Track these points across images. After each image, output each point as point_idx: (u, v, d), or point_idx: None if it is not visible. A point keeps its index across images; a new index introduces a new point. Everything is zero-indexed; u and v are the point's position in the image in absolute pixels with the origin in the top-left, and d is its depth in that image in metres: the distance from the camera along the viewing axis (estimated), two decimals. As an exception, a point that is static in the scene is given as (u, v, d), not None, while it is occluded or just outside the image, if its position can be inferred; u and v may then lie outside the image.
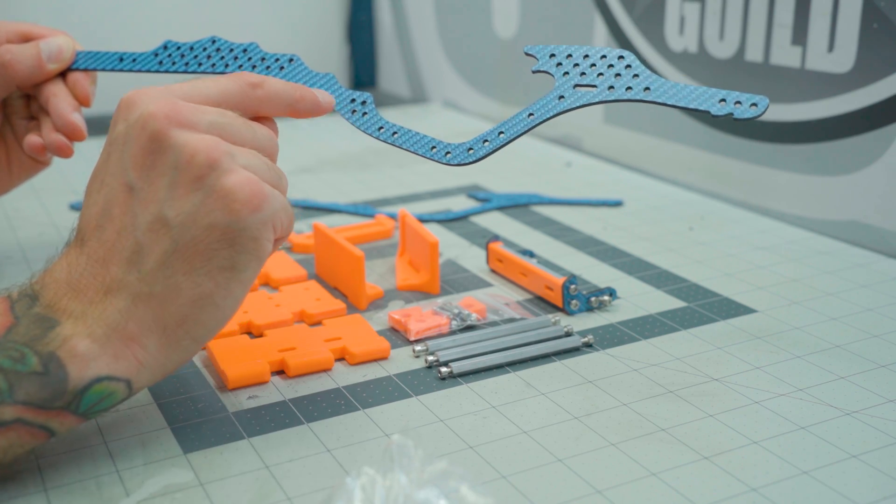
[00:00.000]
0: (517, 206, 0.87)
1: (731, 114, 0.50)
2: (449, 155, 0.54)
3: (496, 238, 0.71)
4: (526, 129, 0.53)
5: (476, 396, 0.51)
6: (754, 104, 0.50)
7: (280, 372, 0.54)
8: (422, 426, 0.48)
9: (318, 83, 0.58)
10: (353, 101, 0.57)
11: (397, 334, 0.59)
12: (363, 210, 0.85)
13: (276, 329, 0.58)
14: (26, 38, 0.65)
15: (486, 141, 0.54)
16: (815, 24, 0.76)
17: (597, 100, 0.52)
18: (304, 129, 1.20)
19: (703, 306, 0.63)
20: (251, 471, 0.44)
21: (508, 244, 0.73)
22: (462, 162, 0.53)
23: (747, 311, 0.62)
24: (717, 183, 0.88)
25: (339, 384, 0.53)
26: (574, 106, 0.53)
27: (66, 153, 0.64)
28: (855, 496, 0.42)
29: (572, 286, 0.61)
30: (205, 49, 0.61)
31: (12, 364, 0.40)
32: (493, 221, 0.82)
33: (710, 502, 0.42)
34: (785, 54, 0.79)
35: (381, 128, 0.55)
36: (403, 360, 0.55)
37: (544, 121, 0.53)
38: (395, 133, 0.55)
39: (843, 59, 0.74)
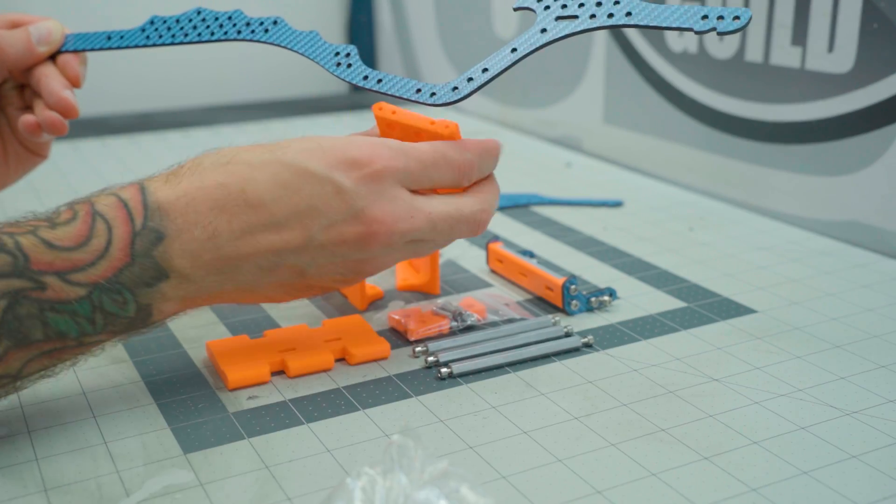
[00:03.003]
0: (517, 206, 0.87)
1: (715, 28, 0.49)
2: (434, 96, 0.54)
3: (496, 238, 0.71)
4: (509, 64, 0.53)
5: (476, 396, 0.51)
6: (737, 17, 0.49)
7: (280, 372, 0.54)
8: (422, 426, 0.48)
9: (303, 41, 0.58)
10: (336, 54, 0.57)
11: (397, 334, 0.59)
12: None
13: (277, 329, 0.58)
14: (15, 26, 0.65)
15: (471, 79, 0.54)
16: (815, 25, 0.76)
17: (580, 29, 0.52)
18: (302, 128, 1.20)
19: (703, 306, 0.63)
20: (251, 471, 0.44)
21: (508, 244, 0.73)
22: (448, 101, 0.53)
23: (747, 311, 0.62)
24: (717, 183, 0.88)
25: (339, 384, 0.53)
26: (557, 37, 0.52)
27: (60, 130, 0.64)
28: (855, 496, 0.42)
29: (572, 286, 0.61)
30: (190, 20, 0.62)
31: (115, 309, 0.44)
32: (494, 221, 0.82)
33: (709, 502, 0.42)
34: (785, 54, 0.79)
35: (365, 77, 0.55)
36: (403, 361, 0.55)
37: (527, 55, 0.53)
38: (379, 80, 0.55)
39: (842, 59, 0.74)
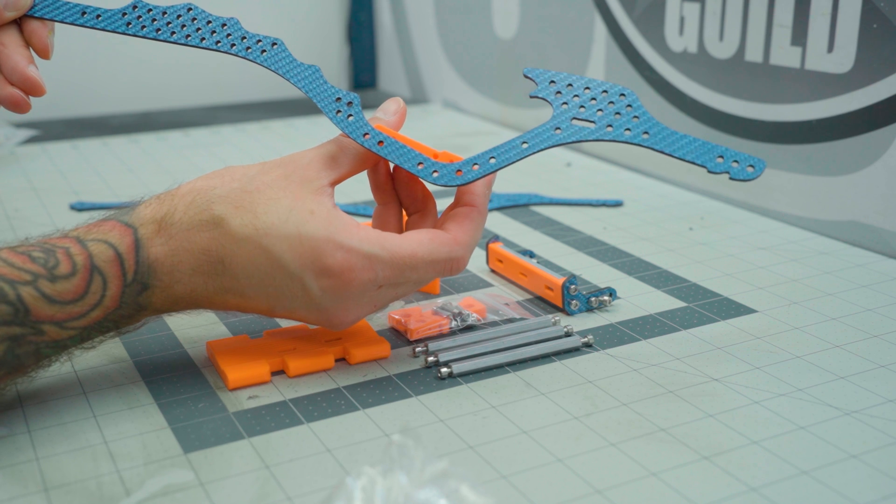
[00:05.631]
0: (517, 206, 0.87)
1: (728, 173, 0.49)
2: (436, 174, 0.51)
3: (496, 238, 0.71)
4: (518, 157, 0.51)
5: (476, 396, 0.51)
6: (751, 166, 0.49)
7: (280, 372, 0.54)
8: (422, 426, 0.48)
9: (302, 74, 0.54)
10: (338, 99, 0.53)
11: (397, 334, 0.59)
12: (363, 210, 0.85)
13: (277, 329, 0.58)
14: None
15: (476, 165, 0.51)
16: (815, 25, 0.76)
17: (593, 137, 0.51)
18: (302, 128, 1.21)
19: (703, 306, 0.63)
20: (251, 471, 0.44)
21: (508, 244, 0.73)
22: (448, 184, 0.51)
23: (747, 311, 0.62)
24: (717, 183, 0.88)
25: (339, 384, 0.53)
26: (569, 140, 0.51)
27: (23, 109, 0.60)
28: (854, 496, 0.42)
29: (572, 286, 0.61)
30: (179, 17, 0.56)
31: (99, 335, 0.49)
32: (493, 221, 0.82)
33: (710, 502, 0.42)
34: (785, 54, 0.79)
35: (366, 134, 0.52)
36: (403, 360, 0.56)
37: (538, 151, 0.51)
38: (380, 142, 0.51)
39: (842, 59, 0.74)
